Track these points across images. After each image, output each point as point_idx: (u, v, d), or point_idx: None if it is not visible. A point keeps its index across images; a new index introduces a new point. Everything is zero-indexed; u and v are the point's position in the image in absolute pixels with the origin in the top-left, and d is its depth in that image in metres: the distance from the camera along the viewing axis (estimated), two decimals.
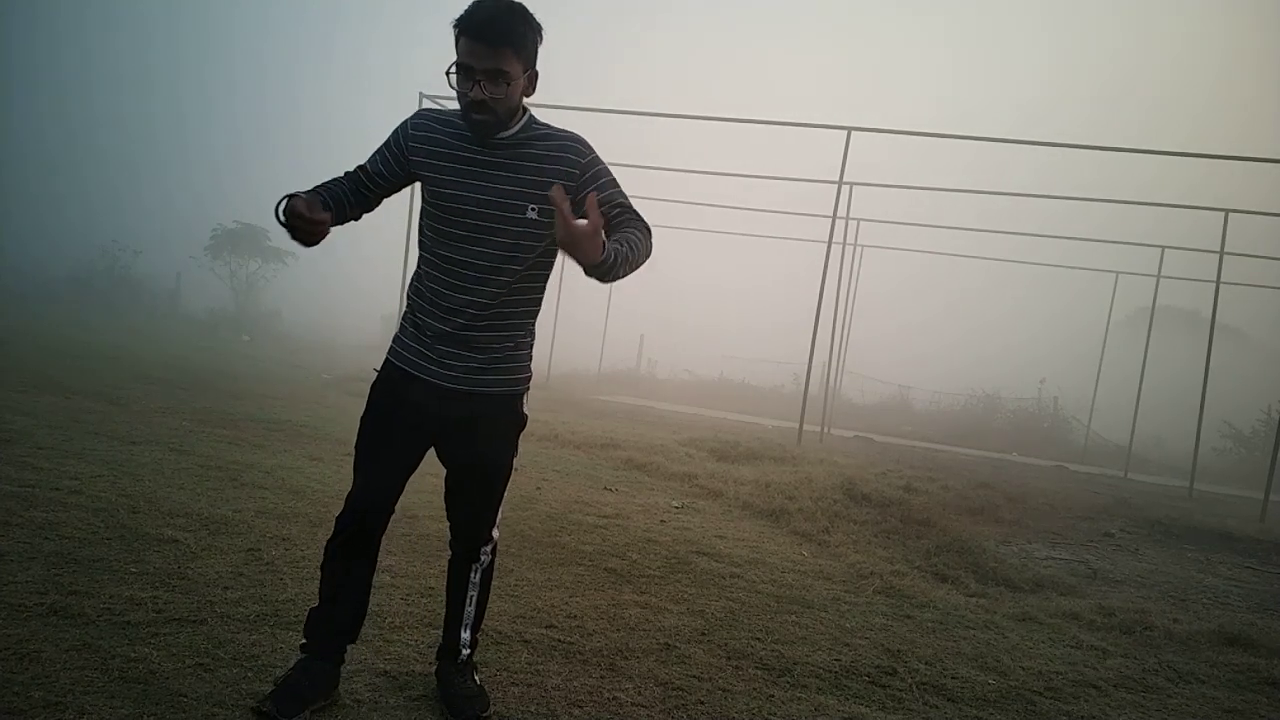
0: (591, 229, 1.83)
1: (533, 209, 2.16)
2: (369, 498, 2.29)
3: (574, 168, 2.17)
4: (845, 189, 11.36)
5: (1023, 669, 3.34)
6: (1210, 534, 7.35)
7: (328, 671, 2.29)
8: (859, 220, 14.03)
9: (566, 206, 1.81)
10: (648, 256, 2.13)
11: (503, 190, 2.16)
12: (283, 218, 1.98)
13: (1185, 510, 8.78)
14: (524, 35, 2.07)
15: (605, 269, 1.92)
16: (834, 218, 11.03)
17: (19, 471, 4.15)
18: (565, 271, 15.69)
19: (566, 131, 2.24)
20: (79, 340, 11.98)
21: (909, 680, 3.08)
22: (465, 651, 2.47)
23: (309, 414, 8.01)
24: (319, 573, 2.36)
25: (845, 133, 10.56)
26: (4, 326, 11.79)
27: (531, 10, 2.12)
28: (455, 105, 2.19)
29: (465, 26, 2.05)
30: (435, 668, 2.50)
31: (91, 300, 19.72)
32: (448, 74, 2.10)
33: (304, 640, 2.32)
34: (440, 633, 2.55)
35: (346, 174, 2.29)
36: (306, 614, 2.35)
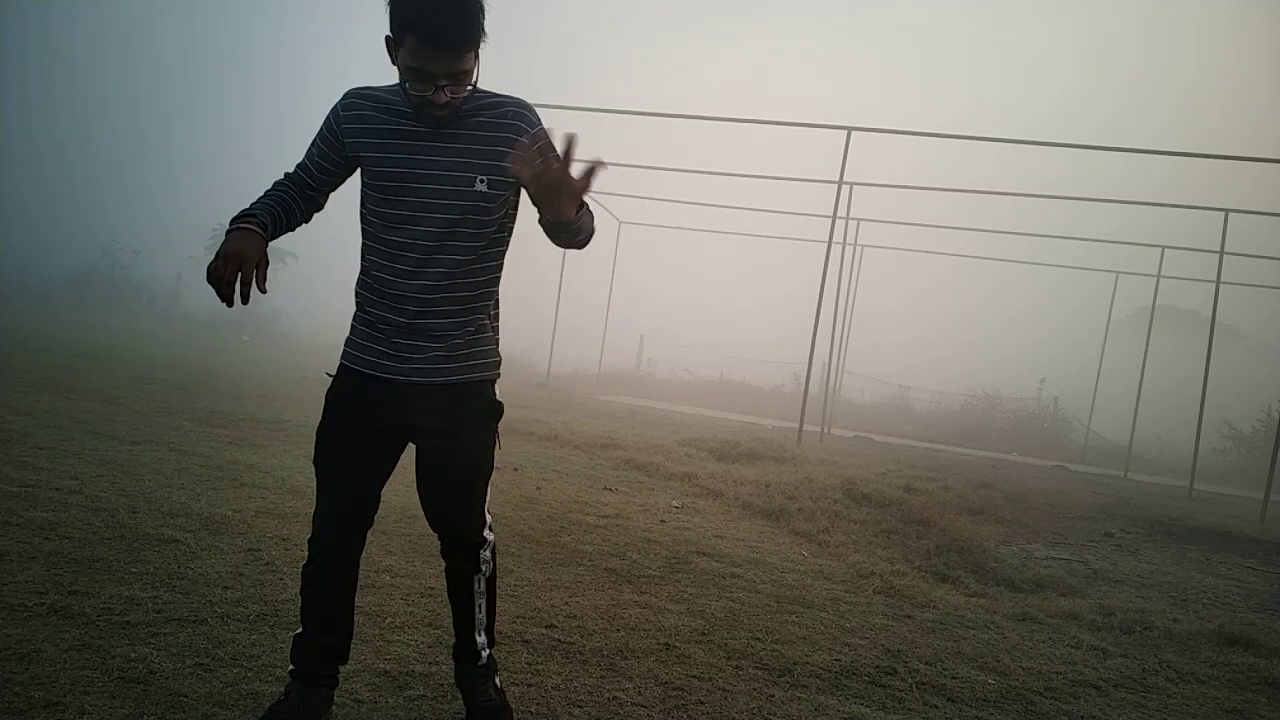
0: (572, 176, 1.78)
1: (481, 180, 2.03)
2: (340, 521, 2.16)
3: (522, 136, 2.02)
4: (845, 189, 11.37)
5: (1023, 669, 3.34)
6: (1210, 534, 7.35)
7: (320, 695, 2.17)
8: (859, 220, 14.04)
9: (535, 154, 1.78)
10: (590, 235, 2.07)
11: (448, 163, 2.03)
12: (218, 269, 1.89)
13: (1185, 510, 8.78)
14: (481, 28, 1.93)
15: (574, 229, 1.90)
16: (834, 218, 11.03)
17: (19, 471, 4.15)
18: (565, 273, 15.70)
19: (512, 98, 2.10)
20: (78, 340, 11.97)
21: (909, 680, 3.08)
22: (485, 653, 2.33)
23: (309, 414, 8.00)
24: (299, 598, 2.21)
25: (845, 133, 10.57)
26: (4, 327, 11.79)
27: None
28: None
29: (420, 30, 1.86)
30: (454, 671, 2.36)
31: (91, 301, 19.72)
32: (396, 59, 1.95)
33: (292, 667, 2.18)
34: (442, 633, 2.50)
35: (288, 175, 2.18)
36: (292, 640, 2.21)
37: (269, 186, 2.18)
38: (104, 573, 2.99)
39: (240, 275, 1.90)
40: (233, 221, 2.02)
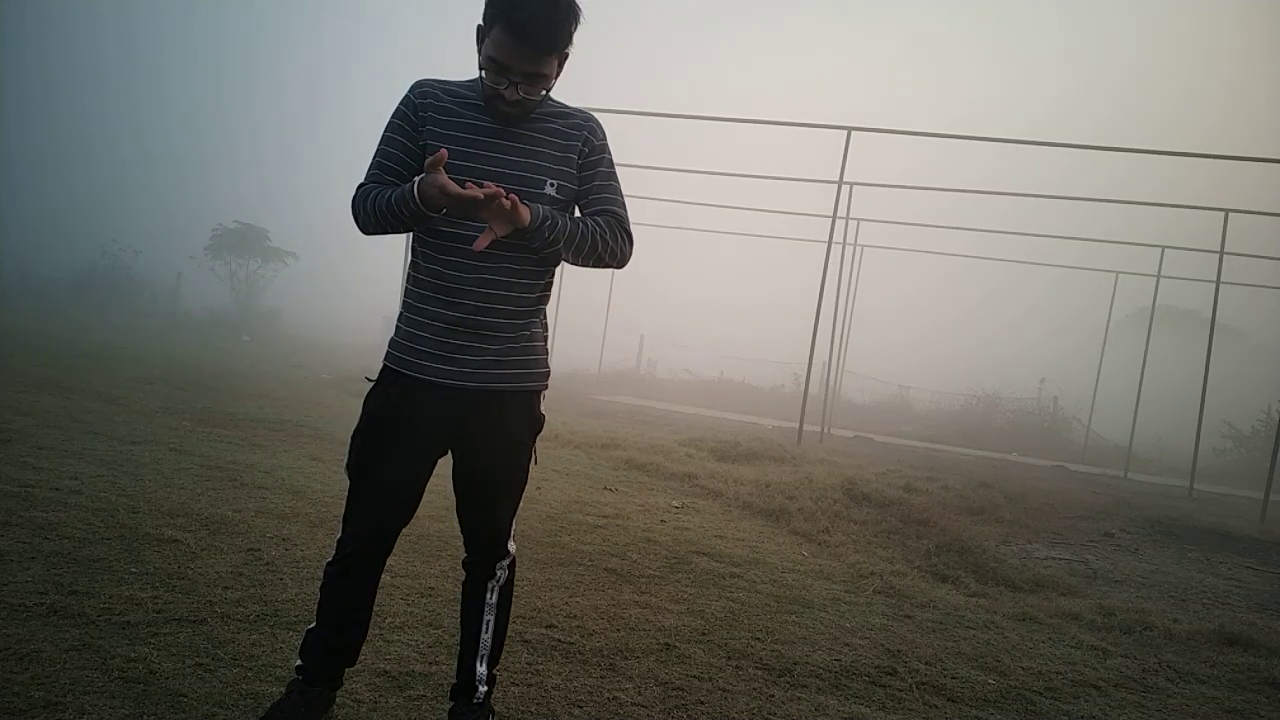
0: (488, 198, 1.84)
1: (551, 184, 2.06)
2: (374, 530, 2.11)
3: (587, 145, 2.11)
4: (845, 189, 11.37)
5: (1023, 669, 3.34)
6: (1210, 534, 7.35)
7: (323, 695, 2.15)
8: (859, 220, 14.04)
9: (488, 191, 1.83)
10: (612, 256, 2.12)
11: (522, 164, 2.04)
12: (419, 202, 1.90)
13: (1185, 510, 8.77)
14: (571, 35, 1.95)
15: (541, 233, 1.95)
16: (834, 218, 11.03)
17: (19, 471, 4.15)
18: (565, 273, 15.69)
19: (585, 112, 2.17)
20: (79, 340, 11.98)
21: (909, 680, 3.08)
22: (482, 689, 2.22)
23: (309, 414, 8.01)
24: (318, 593, 2.18)
25: (845, 133, 10.57)
26: (4, 327, 11.79)
27: None
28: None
29: (509, 25, 1.88)
30: (449, 709, 2.25)
31: (92, 300, 19.72)
32: (481, 56, 1.96)
33: (299, 661, 2.15)
34: (442, 633, 2.48)
35: (372, 179, 2.08)
36: (304, 634, 2.18)
37: (358, 200, 2.05)
38: (104, 573, 2.99)
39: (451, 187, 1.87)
40: (404, 198, 1.94)
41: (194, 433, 6.10)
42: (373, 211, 2.01)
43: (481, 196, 1.84)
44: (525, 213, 1.91)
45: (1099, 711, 3.03)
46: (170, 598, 2.85)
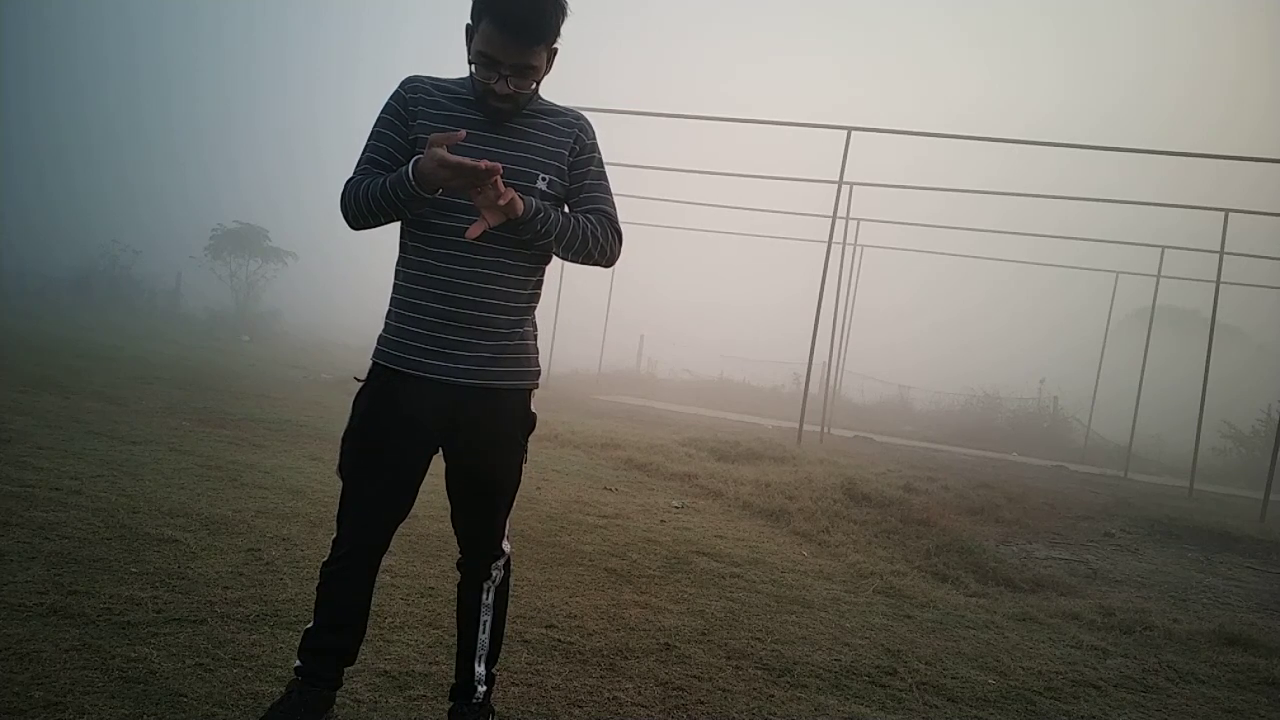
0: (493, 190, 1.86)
1: (544, 179, 2.07)
2: (370, 530, 2.11)
3: (577, 143, 2.13)
4: (845, 189, 11.37)
5: (1023, 669, 3.34)
6: (1210, 534, 7.35)
7: (323, 695, 2.13)
8: (859, 220, 14.05)
9: (489, 165, 1.82)
10: (601, 253, 2.14)
11: (514, 158, 2.04)
12: (417, 184, 1.86)
13: (1185, 510, 8.77)
14: (558, 27, 1.97)
15: (534, 224, 1.97)
16: (834, 218, 11.03)
17: (19, 471, 4.15)
18: (565, 273, 15.73)
19: (576, 111, 2.18)
20: (79, 340, 11.97)
21: (909, 680, 3.07)
22: (481, 689, 2.22)
23: (309, 414, 8.01)
24: (316, 593, 2.15)
25: (845, 133, 10.57)
26: (4, 327, 11.79)
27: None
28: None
29: (496, 18, 1.90)
30: (449, 709, 2.25)
31: (92, 300, 19.71)
32: (470, 53, 1.97)
33: (299, 661, 2.13)
34: (442, 633, 2.48)
35: (362, 173, 2.05)
36: (303, 634, 2.16)
37: (347, 192, 2.02)
38: (104, 573, 2.99)
39: (452, 160, 1.84)
40: (400, 180, 1.91)
41: (194, 433, 6.10)
42: (364, 199, 1.98)
43: (483, 167, 1.83)
44: (520, 202, 1.93)
45: (1099, 711, 3.03)
46: (170, 598, 2.85)
